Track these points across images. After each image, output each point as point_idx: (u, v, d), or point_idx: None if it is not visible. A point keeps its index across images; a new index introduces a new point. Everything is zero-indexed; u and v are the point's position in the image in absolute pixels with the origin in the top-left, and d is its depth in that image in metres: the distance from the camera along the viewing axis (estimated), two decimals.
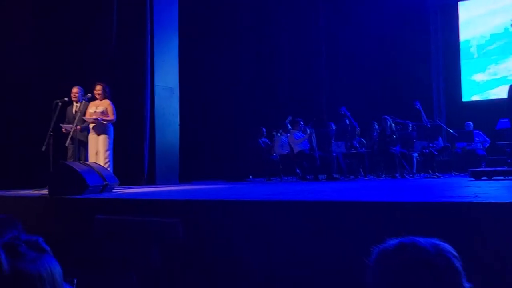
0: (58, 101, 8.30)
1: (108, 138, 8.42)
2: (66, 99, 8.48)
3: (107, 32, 10.18)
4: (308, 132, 10.88)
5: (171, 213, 4.87)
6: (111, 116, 8.43)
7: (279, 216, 4.35)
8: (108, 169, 8.08)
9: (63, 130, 8.37)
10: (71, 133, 8.06)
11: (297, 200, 4.81)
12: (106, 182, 6.89)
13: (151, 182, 9.91)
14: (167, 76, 10.49)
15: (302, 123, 11.14)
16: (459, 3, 14.88)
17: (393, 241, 1.53)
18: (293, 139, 11.01)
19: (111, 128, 8.50)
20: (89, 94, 8.44)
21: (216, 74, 13.15)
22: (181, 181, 10.44)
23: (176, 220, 4.66)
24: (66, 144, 8.18)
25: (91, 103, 8.57)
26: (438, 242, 1.50)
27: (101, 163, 8.03)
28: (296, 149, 11.01)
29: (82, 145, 8.51)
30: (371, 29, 14.53)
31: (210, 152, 12.61)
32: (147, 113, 10.08)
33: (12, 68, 9.87)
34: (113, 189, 7.34)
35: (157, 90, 10.23)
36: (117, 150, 8.85)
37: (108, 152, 8.39)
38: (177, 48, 10.76)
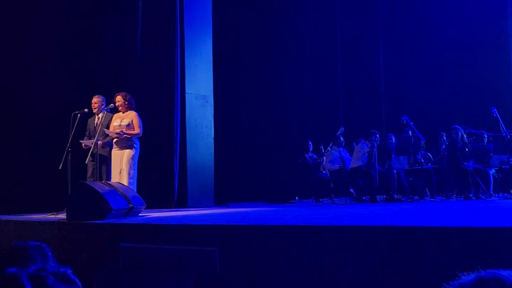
0: (77, 112, 8.51)
1: (133, 154, 8.54)
2: (86, 110, 8.68)
3: (131, 35, 10.37)
4: (370, 145, 10.78)
5: (206, 240, 4.90)
6: (136, 130, 8.55)
7: (331, 244, 4.34)
8: (133, 189, 8.22)
9: (83, 146, 8.55)
10: (91, 149, 8.22)
11: (352, 225, 4.79)
12: (132, 205, 6.98)
13: (182, 204, 9.98)
14: (200, 83, 10.58)
15: (377, 135, 11.02)
16: None
17: (470, 277, 1.48)
18: (358, 150, 10.97)
19: (137, 143, 8.62)
20: (112, 105, 8.61)
21: (255, 80, 13.22)
22: (217, 204, 10.48)
23: (212, 248, 4.70)
24: (86, 162, 8.35)
25: (115, 115, 8.72)
26: None
27: (125, 183, 8.17)
28: (353, 165, 10.95)
29: (104, 163, 8.67)
30: (436, 27, 14.41)
31: (250, 169, 12.64)
32: (177, 125, 10.17)
33: (25, 77, 10.17)
34: (140, 212, 7.44)
35: (188, 98, 10.32)
36: (143, 168, 8.97)
37: (132, 171, 8.52)
38: (211, 51, 10.85)
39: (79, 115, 8.52)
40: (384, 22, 15.15)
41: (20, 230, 6.81)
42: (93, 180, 8.18)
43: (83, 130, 8.87)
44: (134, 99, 8.86)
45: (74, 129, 8.39)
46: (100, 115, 8.83)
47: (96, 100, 8.90)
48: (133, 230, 5.71)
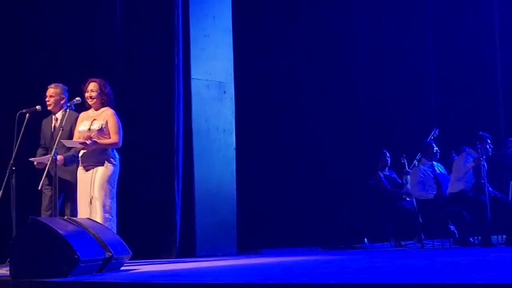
0: (24, 111, 8.44)
1: (110, 174, 8.44)
2: (38, 107, 8.57)
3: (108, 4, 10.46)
4: (477, 157, 10.70)
5: None
6: (113, 137, 8.38)
7: None
8: (112, 229, 8.21)
9: (35, 165, 8.50)
10: (46, 169, 8.13)
11: (454, 284, 4.71)
12: (110, 254, 6.95)
13: (188, 252, 10.01)
14: (213, 64, 10.59)
15: (489, 140, 10.92)
16: None
17: None
18: (459, 166, 10.87)
19: (116, 158, 8.55)
20: (78, 98, 8.49)
21: (301, 61, 13.19)
22: (241, 251, 10.48)
23: None
24: (40, 188, 8.30)
25: (82, 115, 8.60)
26: None
27: (99, 219, 8.12)
28: (453, 189, 10.85)
29: (68, 189, 8.64)
30: None
31: (292, 198, 12.57)
32: (179, 130, 10.19)
33: None
34: (122, 265, 7.42)
35: (195, 87, 10.34)
36: (127, 197, 8.97)
37: (109, 200, 8.42)
38: (231, 15, 10.86)
39: (27, 115, 8.44)
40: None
41: None
42: (50, 215, 8.16)
43: (35, 138, 8.80)
44: (112, 90, 8.77)
45: (20, 137, 8.33)
46: (58, 115, 8.73)
47: (53, 92, 8.68)
48: None
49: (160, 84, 10.19)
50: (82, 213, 8.23)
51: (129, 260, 7.73)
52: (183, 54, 10.27)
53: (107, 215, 8.19)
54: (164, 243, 9.92)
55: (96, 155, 8.29)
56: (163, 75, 10.20)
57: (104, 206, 8.19)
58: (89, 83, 8.39)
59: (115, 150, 8.41)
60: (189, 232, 10.18)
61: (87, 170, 8.33)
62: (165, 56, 10.22)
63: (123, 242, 7.58)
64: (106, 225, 7.95)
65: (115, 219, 8.38)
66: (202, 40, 10.47)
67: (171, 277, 6.48)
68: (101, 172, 8.25)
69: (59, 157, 8.15)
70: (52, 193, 8.30)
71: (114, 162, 8.36)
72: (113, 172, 8.34)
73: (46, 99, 8.64)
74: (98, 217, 8.07)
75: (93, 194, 8.22)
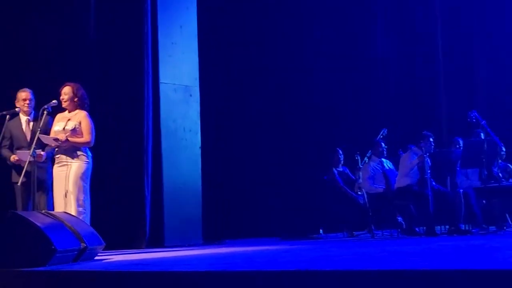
0: (5, 112, 8.46)
1: (84, 170, 8.44)
2: (17, 109, 8.63)
3: (82, 7, 10.38)
4: (420, 154, 10.79)
5: None
6: (85, 137, 8.41)
7: None
8: (86, 221, 8.17)
9: (12, 160, 8.48)
10: (25, 165, 8.13)
11: (400, 270, 4.74)
12: (85, 245, 6.93)
13: (157, 243, 10.00)
14: (180, 68, 10.59)
15: (430, 138, 11.02)
16: None
17: None
18: (405, 162, 10.95)
19: (89, 155, 8.54)
20: (55, 101, 8.50)
21: (259, 64, 13.19)
22: (206, 241, 10.48)
23: None
24: (18, 183, 8.29)
25: (58, 116, 8.62)
26: None
27: (73, 211, 8.10)
28: (400, 183, 10.93)
29: (41, 185, 8.61)
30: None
31: (253, 192, 12.60)
32: (148, 129, 10.17)
33: None
34: (96, 255, 7.40)
35: (163, 91, 10.33)
36: (100, 192, 8.94)
37: (82, 195, 8.41)
38: (196, 24, 10.86)
39: (8, 116, 8.46)
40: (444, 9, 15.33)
41: None
42: (28, 210, 8.11)
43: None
44: (86, 93, 8.76)
45: (2, 135, 8.37)
46: (29, 117, 8.76)
47: (26, 95, 8.77)
48: (86, 280, 5.65)
49: (130, 87, 10.19)
50: (58, 206, 8.25)
51: (102, 250, 7.71)
52: (152, 60, 10.26)
53: (80, 209, 8.23)
54: (135, 234, 9.90)
55: (70, 152, 8.36)
56: (134, 80, 10.19)
57: (77, 200, 8.24)
58: (64, 87, 8.51)
59: (87, 149, 8.45)
60: (158, 224, 10.17)
61: (61, 166, 8.35)
62: (136, 62, 10.21)
63: (97, 234, 7.57)
64: (80, 217, 7.93)
65: (88, 212, 8.41)
66: (170, 47, 10.49)
67: (141, 266, 6.47)
68: (75, 169, 8.30)
69: (42, 153, 8.29)
70: (29, 189, 8.30)
71: (87, 160, 8.43)
72: (86, 168, 8.40)
73: (23, 102, 8.75)
74: (72, 210, 8.11)
75: (67, 189, 8.25)
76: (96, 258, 7.40)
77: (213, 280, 5.06)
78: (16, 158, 8.47)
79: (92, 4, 10.39)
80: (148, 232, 10.04)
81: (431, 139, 10.98)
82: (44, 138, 8.34)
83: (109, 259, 7.66)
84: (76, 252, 6.84)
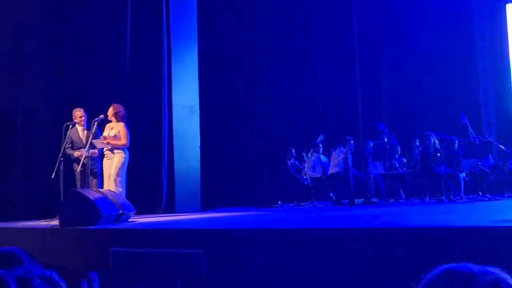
0: (68, 123, 8.46)
1: (121, 162, 8.49)
2: (76, 121, 8.65)
3: (120, 48, 10.32)
4: (344, 151, 10.85)
5: (193, 244, 4.87)
6: (122, 140, 8.48)
7: (312, 246, 4.32)
8: (122, 196, 8.22)
9: (76, 155, 8.48)
10: (82, 159, 8.17)
11: (331, 228, 4.78)
12: (121, 211, 6.94)
13: (170, 210, 9.93)
14: (186, 93, 10.57)
15: (352, 142, 11.09)
16: (508, 5, 14.74)
17: (442, 267, 1.52)
18: (336, 156, 11.00)
19: (126, 153, 8.56)
20: (102, 116, 8.52)
21: (240, 91, 13.19)
22: (203, 209, 10.44)
23: (199, 251, 4.67)
24: (78, 170, 8.29)
25: (107, 126, 8.68)
26: (493, 270, 1.47)
27: (112, 188, 8.19)
28: (331, 170, 10.98)
29: (93, 171, 8.62)
30: (411, 38, 14.47)
31: (235, 176, 12.58)
32: (165, 135, 10.13)
33: (18, 86, 10.08)
34: (129, 218, 7.40)
35: (175, 109, 10.29)
36: (132, 176, 8.92)
37: (119, 178, 8.47)
38: (197, 63, 10.84)
39: (70, 126, 8.45)
40: (361, 33, 15.17)
41: (14, 236, 6.72)
42: (84, 188, 8.11)
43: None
44: (125, 110, 8.80)
45: (66, 140, 8.35)
46: (82, 127, 8.77)
47: (83, 114, 8.81)
48: (123, 235, 5.67)
49: (154, 108, 10.15)
50: (105, 185, 8.29)
51: (134, 215, 7.72)
52: (167, 89, 10.23)
53: (117, 188, 8.25)
54: (155, 204, 9.85)
55: (112, 150, 8.43)
56: (156, 102, 10.16)
57: (115, 180, 8.30)
58: (110, 107, 8.57)
59: (125, 148, 8.53)
60: (171, 198, 10.11)
61: (107, 160, 8.44)
62: (157, 90, 10.18)
63: (130, 204, 7.59)
64: (117, 193, 7.99)
65: (124, 189, 8.42)
66: (180, 80, 10.44)
67: (160, 225, 6.48)
68: (116, 160, 8.46)
69: (93, 151, 8.41)
70: (86, 174, 8.34)
71: (124, 155, 8.52)
72: (124, 161, 8.56)
73: (79, 118, 8.77)
74: (111, 187, 8.15)
75: (110, 173, 8.31)
76: (129, 220, 7.39)
77: (206, 234, 5.08)
78: (79, 153, 8.44)
79: (127, 53, 10.34)
80: (164, 202, 10.01)
81: (351, 142, 11.07)
82: (96, 142, 8.42)
83: (138, 220, 7.66)
84: (116, 216, 6.86)
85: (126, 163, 8.56)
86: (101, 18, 10.36)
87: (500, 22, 14.76)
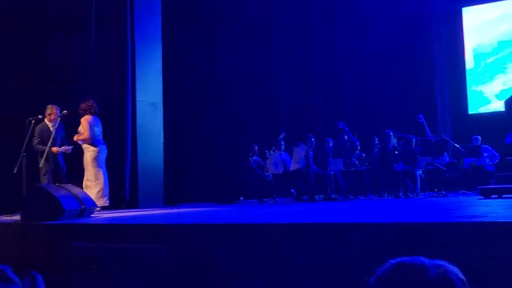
0: (31, 119, 8.29)
1: (91, 157, 8.52)
2: (40, 116, 8.46)
3: (85, 45, 10.20)
4: (306, 148, 10.91)
5: (155, 239, 4.85)
6: (84, 134, 8.52)
7: (272, 240, 4.34)
8: (97, 189, 8.39)
9: (54, 151, 8.41)
10: (45, 154, 8.08)
11: (291, 222, 4.81)
12: (84, 206, 6.87)
13: (134, 205, 9.87)
14: (150, 90, 10.51)
15: (313, 139, 11.16)
16: (463, 8, 15.02)
17: (394, 261, 1.54)
18: (298, 153, 11.04)
19: (97, 145, 8.59)
20: (65, 111, 8.43)
21: (203, 88, 13.15)
22: (166, 204, 10.40)
23: (160, 246, 4.65)
24: (40, 165, 8.17)
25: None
26: (443, 263, 1.51)
27: (88, 183, 8.41)
28: (293, 167, 11.03)
29: (58, 166, 8.51)
30: (370, 39, 14.62)
31: (198, 172, 12.56)
32: (129, 131, 10.07)
33: None
34: (92, 213, 7.32)
35: (139, 105, 10.23)
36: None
37: (91, 172, 8.48)
38: (161, 61, 10.80)
39: (33, 121, 8.30)
40: (321, 32, 15.28)
41: None
42: (48, 183, 8.01)
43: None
44: (91, 106, 8.75)
45: (29, 135, 8.19)
46: (51, 123, 8.62)
47: (57, 111, 8.68)
48: (85, 230, 5.60)
49: (118, 104, 10.07)
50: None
51: (96, 210, 7.65)
52: (131, 86, 10.18)
53: (87, 180, 8.60)
54: (118, 200, 9.76)
55: (82, 144, 8.56)
56: (120, 99, 10.10)
57: (87, 173, 8.63)
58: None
59: (96, 141, 8.67)
60: (134, 193, 10.06)
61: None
62: (121, 87, 10.11)
63: (92, 199, 7.52)
64: (89, 185, 8.46)
65: (103, 182, 8.70)
66: (144, 78, 10.44)
67: (122, 220, 6.42)
68: (86, 155, 8.68)
69: (66, 148, 8.58)
70: (49, 169, 8.27)
71: (93, 149, 8.62)
72: (93, 154, 8.77)
73: (52, 114, 8.61)
74: (88, 183, 8.55)
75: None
76: (92, 215, 7.31)
77: (168, 229, 5.06)
78: (56, 149, 8.42)
79: (92, 53, 10.24)
80: (127, 198, 9.95)
81: (312, 139, 11.12)
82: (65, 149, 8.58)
83: (101, 215, 7.58)
84: (78, 212, 6.78)
85: (99, 156, 8.59)
86: (66, 16, 10.22)
87: (457, 24, 15.04)
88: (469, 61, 14.93)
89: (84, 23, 10.27)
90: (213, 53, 13.44)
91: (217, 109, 13.32)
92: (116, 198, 9.73)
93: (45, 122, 8.58)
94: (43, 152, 8.29)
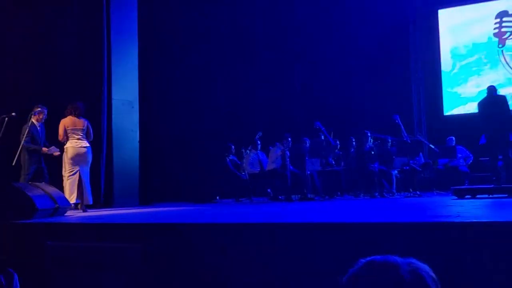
0: (5, 116, 8.19)
1: (64, 159, 8.53)
2: (13, 114, 8.35)
3: (61, 43, 10.11)
4: (282, 148, 10.93)
5: (129, 238, 4.82)
6: (59, 136, 8.56)
7: (248, 240, 4.34)
8: (70, 190, 8.35)
9: (44, 151, 8.57)
10: (18, 152, 8.02)
11: (267, 222, 4.81)
12: (58, 205, 6.80)
13: (108, 204, 9.79)
14: (126, 89, 10.44)
15: (290, 139, 11.19)
16: (439, 11, 15.17)
17: (365, 259, 1.57)
18: (272, 154, 11.05)
19: (68, 146, 8.56)
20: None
21: (180, 87, 13.10)
22: (142, 204, 10.34)
23: (135, 245, 4.62)
24: (13, 164, 8.10)
25: None
26: (414, 261, 1.53)
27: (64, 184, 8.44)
28: (269, 167, 11.04)
29: (41, 167, 8.56)
30: (347, 40, 14.70)
31: (174, 171, 12.51)
32: (104, 129, 9.98)
33: None
34: (65, 212, 7.26)
35: (114, 104, 10.16)
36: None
37: (66, 170, 8.48)
38: (137, 59, 10.74)
39: (6, 118, 8.20)
40: (299, 33, 15.29)
41: None
42: (22, 182, 7.97)
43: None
44: (70, 106, 8.74)
45: (2, 132, 8.09)
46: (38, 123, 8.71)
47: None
48: (59, 229, 5.54)
49: (94, 102, 9.96)
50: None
51: (70, 209, 7.58)
52: (107, 85, 10.10)
53: (64, 180, 8.61)
54: (92, 198, 9.69)
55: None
56: (96, 97, 10.01)
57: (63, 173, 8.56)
58: None
59: (68, 141, 8.58)
60: (109, 192, 9.98)
61: None
62: (97, 85, 10.04)
63: (66, 198, 7.46)
64: (66, 186, 8.47)
65: (71, 180, 8.60)
66: (120, 76, 10.33)
67: (96, 218, 6.37)
68: (64, 154, 8.56)
69: (55, 151, 8.73)
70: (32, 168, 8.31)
71: (66, 151, 8.52)
72: (66, 155, 8.61)
73: (43, 116, 8.74)
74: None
75: None
76: (66, 214, 7.25)
77: (142, 228, 5.03)
78: (46, 149, 8.60)
79: (68, 51, 10.18)
80: (102, 197, 9.86)
81: (289, 139, 11.16)
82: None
83: (75, 214, 7.52)
84: (51, 210, 6.72)
85: (71, 157, 8.52)
86: (39, 14, 10.13)
87: (433, 26, 15.20)
88: (445, 63, 15.09)
89: (59, 20, 10.18)
90: (190, 51, 13.38)
91: (193, 108, 13.28)
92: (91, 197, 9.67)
93: (33, 122, 8.59)
94: (33, 150, 8.41)
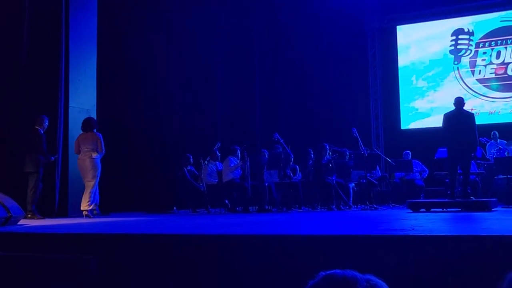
0: None
1: None
2: None
3: (17, 50, 9.92)
4: (239, 161, 10.94)
5: (83, 248, 4.73)
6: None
7: (203, 251, 4.31)
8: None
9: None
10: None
11: (223, 234, 4.79)
12: (10, 214, 6.65)
13: (63, 214, 9.64)
14: (83, 96, 10.31)
15: (239, 151, 11.18)
16: (398, 27, 15.46)
17: (326, 272, 1.56)
18: (228, 165, 11.01)
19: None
20: None
21: (139, 96, 12.98)
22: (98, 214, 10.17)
23: (89, 256, 4.53)
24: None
25: None
26: (373, 278, 1.53)
27: None
28: (226, 178, 11.00)
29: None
30: (307, 53, 14.87)
31: (131, 181, 12.35)
32: (60, 138, 9.83)
33: None
34: (18, 221, 7.09)
35: (71, 112, 10.02)
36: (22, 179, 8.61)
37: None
38: (95, 67, 10.61)
39: None
40: (261, 45, 15.40)
41: None
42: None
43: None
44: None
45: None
46: None
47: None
48: (9, 239, 5.39)
49: (49, 110, 9.80)
50: None
51: (23, 218, 7.41)
52: (64, 92, 9.98)
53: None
54: (47, 208, 9.51)
55: None
56: (52, 104, 9.87)
57: None
58: None
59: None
60: (64, 201, 9.82)
61: None
62: (53, 92, 9.90)
63: (20, 207, 7.29)
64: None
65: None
66: (77, 83, 10.25)
67: (49, 229, 6.24)
68: None
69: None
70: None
71: None
72: None
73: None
74: None
75: None
76: (19, 223, 7.08)
77: (97, 239, 4.95)
78: None
79: (23, 55, 9.99)
80: (57, 206, 9.70)
81: (238, 152, 11.21)
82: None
83: (28, 224, 7.34)
84: (3, 220, 6.56)
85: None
86: None
87: (391, 41, 15.48)
88: (403, 78, 15.36)
89: (16, 26, 9.99)
90: (150, 60, 13.28)
91: (152, 117, 13.15)
92: (46, 207, 9.48)
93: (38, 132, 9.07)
94: (49, 159, 9.22)
